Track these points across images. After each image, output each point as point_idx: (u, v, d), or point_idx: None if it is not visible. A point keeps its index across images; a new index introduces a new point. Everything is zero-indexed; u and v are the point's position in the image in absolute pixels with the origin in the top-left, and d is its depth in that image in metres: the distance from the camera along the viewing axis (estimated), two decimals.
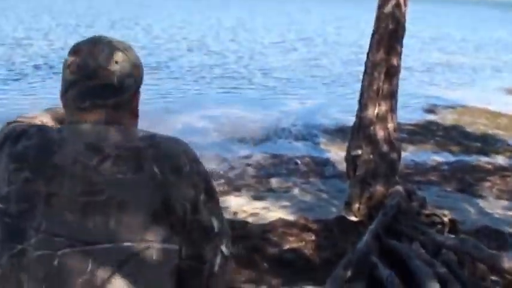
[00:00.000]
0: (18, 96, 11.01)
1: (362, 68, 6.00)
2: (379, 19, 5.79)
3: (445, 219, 5.19)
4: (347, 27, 32.75)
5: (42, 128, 1.41)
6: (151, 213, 1.31)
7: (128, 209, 1.30)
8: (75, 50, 1.43)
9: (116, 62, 1.41)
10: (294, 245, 4.94)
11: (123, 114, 1.44)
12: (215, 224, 1.41)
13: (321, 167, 7.76)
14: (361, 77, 6.00)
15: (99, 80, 1.39)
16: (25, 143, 1.36)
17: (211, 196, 1.43)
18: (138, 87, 1.48)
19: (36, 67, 14.08)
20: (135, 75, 1.45)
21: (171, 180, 1.35)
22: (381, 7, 5.77)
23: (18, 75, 13.09)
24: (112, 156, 1.32)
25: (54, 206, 1.29)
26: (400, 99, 6.07)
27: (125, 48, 1.46)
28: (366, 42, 5.96)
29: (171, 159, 1.37)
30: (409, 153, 8.30)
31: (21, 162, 1.33)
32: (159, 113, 9.88)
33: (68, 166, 1.31)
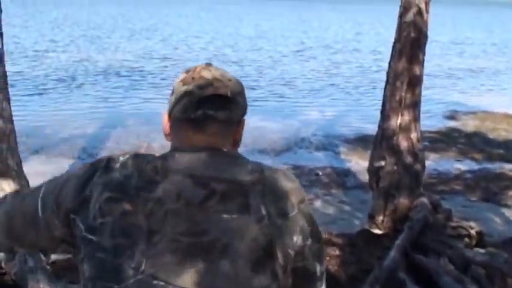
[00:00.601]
0: (39, 109, 11.08)
1: (382, 76, 5.92)
2: (400, 28, 5.70)
3: (472, 231, 5.09)
4: (366, 33, 32.62)
5: (139, 156, 1.31)
6: (254, 259, 1.22)
7: (231, 253, 1.21)
8: (187, 70, 1.43)
9: (229, 80, 1.39)
10: None
11: (229, 140, 1.37)
12: (318, 268, 1.34)
13: (342, 177, 7.68)
14: (380, 84, 5.92)
15: (215, 90, 1.34)
16: (123, 171, 1.27)
17: (317, 239, 1.34)
18: (244, 113, 1.42)
19: (58, 80, 14.18)
20: (244, 98, 1.42)
21: (278, 224, 1.26)
22: (402, 15, 5.69)
23: (39, 87, 13.19)
24: (218, 191, 1.24)
25: (156, 245, 1.20)
26: (421, 106, 5.99)
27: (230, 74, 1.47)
28: (385, 49, 5.89)
29: (279, 200, 1.28)
30: (431, 162, 8.19)
31: (119, 192, 1.23)
32: None
33: (172, 201, 1.22)
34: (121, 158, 1.30)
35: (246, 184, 1.26)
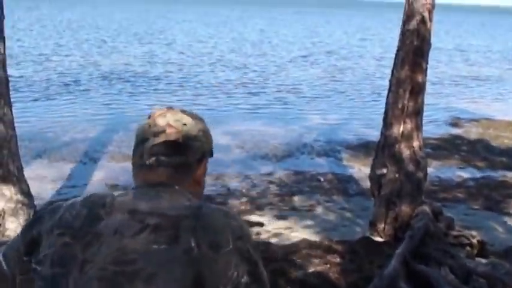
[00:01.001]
0: (42, 113, 11.10)
1: (385, 82, 5.92)
2: (403, 35, 5.69)
3: (474, 240, 5.07)
4: (370, 39, 32.61)
5: (94, 195, 1.41)
6: None
7: (155, 283, 1.23)
8: (150, 115, 1.52)
9: (185, 124, 1.47)
10: (319, 268, 4.84)
11: (185, 179, 1.45)
12: None
13: (344, 184, 7.66)
14: (384, 91, 5.91)
15: (166, 137, 1.44)
16: (71, 211, 1.36)
17: (257, 279, 1.31)
18: (204, 155, 1.51)
19: (61, 84, 14.21)
20: (202, 141, 1.49)
21: (208, 256, 1.26)
22: (405, 23, 5.68)
23: (42, 92, 13.21)
24: (151, 225, 1.29)
25: (86, 273, 1.26)
26: (424, 113, 5.97)
27: (196, 116, 1.54)
28: (389, 55, 5.88)
29: (211, 233, 1.29)
30: (433, 169, 8.16)
31: (65, 228, 1.33)
32: None
33: (109, 234, 1.29)
34: (67, 202, 1.40)
35: (179, 218, 1.30)
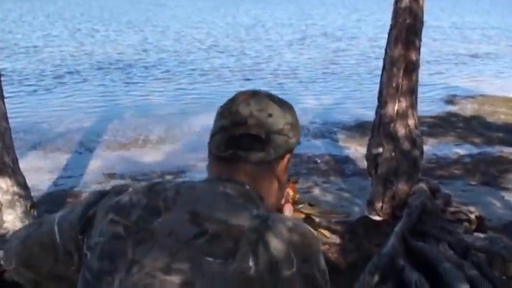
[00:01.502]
0: (36, 104, 11.05)
1: (381, 62, 5.89)
2: (396, 14, 5.66)
3: (472, 216, 5.07)
4: (365, 20, 32.46)
5: (159, 183, 1.27)
6: None
7: None
8: (233, 98, 1.36)
9: (270, 115, 1.30)
10: None
11: (264, 177, 1.30)
12: None
13: (341, 164, 7.66)
14: (379, 71, 5.89)
15: (247, 129, 1.28)
16: (133, 196, 1.23)
17: None
18: (290, 150, 1.34)
19: (54, 74, 14.14)
20: (287, 135, 1.31)
21: (265, 280, 1.09)
22: (397, 1, 5.64)
23: (36, 83, 13.15)
24: (210, 231, 1.14)
25: (133, 276, 1.13)
26: (418, 91, 5.96)
27: (283, 104, 1.36)
28: (384, 35, 5.84)
29: (272, 251, 1.11)
30: (430, 147, 8.16)
31: (121, 215, 1.20)
32: (176, 116, 9.86)
33: (163, 235, 1.15)
34: (136, 185, 1.28)
35: (241, 229, 1.14)
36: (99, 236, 1.20)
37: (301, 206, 1.62)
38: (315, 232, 1.44)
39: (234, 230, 1.13)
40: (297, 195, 1.63)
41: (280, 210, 1.48)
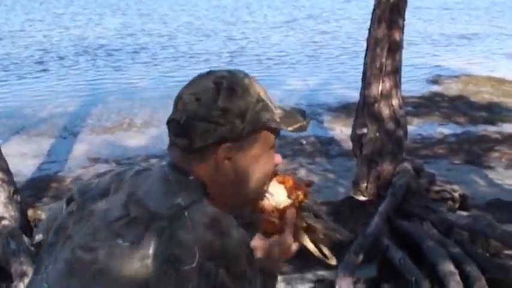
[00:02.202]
0: (18, 89, 10.94)
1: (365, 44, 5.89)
2: None
3: (455, 194, 5.11)
4: (353, 1, 32.33)
5: (128, 169, 1.27)
6: None
7: (102, 281, 1.08)
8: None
9: (197, 99, 1.21)
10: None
11: (200, 166, 1.20)
12: None
13: (326, 146, 7.68)
14: (363, 53, 5.89)
15: (172, 114, 1.24)
16: (101, 179, 1.25)
17: None
18: (226, 139, 1.19)
19: (36, 60, 13.97)
20: (216, 122, 1.19)
21: (161, 271, 1.05)
22: None
23: (17, 68, 13.00)
24: (130, 216, 1.12)
25: (64, 250, 1.16)
26: (403, 71, 5.97)
27: (229, 89, 1.22)
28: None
29: (176, 244, 1.07)
30: (415, 127, 8.21)
31: (80, 195, 1.24)
32: (160, 100, 9.80)
33: (98, 215, 1.16)
34: (110, 171, 1.30)
35: (155, 216, 1.11)
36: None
37: (305, 213, 1.42)
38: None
39: (149, 215, 1.11)
40: (306, 200, 1.44)
41: (253, 207, 1.33)
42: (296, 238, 1.35)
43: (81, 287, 1.09)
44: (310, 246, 1.40)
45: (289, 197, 1.37)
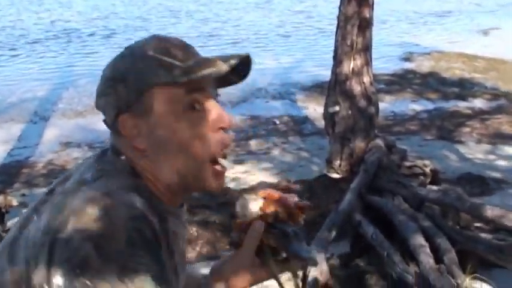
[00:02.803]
0: None
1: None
2: None
3: (427, 169, 5.16)
4: None
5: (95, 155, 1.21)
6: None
7: (12, 251, 1.04)
8: None
9: (103, 71, 1.14)
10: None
11: (121, 143, 1.11)
12: None
13: (299, 125, 7.70)
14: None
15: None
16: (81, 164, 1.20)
17: None
18: (118, 109, 1.09)
19: (4, 44, 13.71)
20: (106, 94, 1.10)
21: (40, 242, 0.98)
22: None
23: None
24: (53, 192, 1.08)
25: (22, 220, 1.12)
26: (376, 49, 5.99)
27: (120, 53, 1.14)
28: None
29: (54, 217, 0.99)
30: (387, 104, 8.26)
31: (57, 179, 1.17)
32: None
33: (41, 201, 1.10)
34: None
35: (61, 192, 1.06)
36: None
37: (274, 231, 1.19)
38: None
39: (60, 192, 1.06)
40: (277, 212, 1.20)
41: (204, 183, 1.13)
42: (259, 256, 1.17)
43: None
44: (274, 268, 1.17)
45: (261, 209, 1.18)
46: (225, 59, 1.10)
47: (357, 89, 5.65)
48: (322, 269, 3.62)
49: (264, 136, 7.25)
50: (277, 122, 7.78)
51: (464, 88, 9.39)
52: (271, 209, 1.18)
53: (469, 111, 8.16)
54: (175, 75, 1.07)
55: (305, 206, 1.23)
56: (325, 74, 8.29)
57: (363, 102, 5.64)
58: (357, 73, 5.66)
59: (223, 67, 1.08)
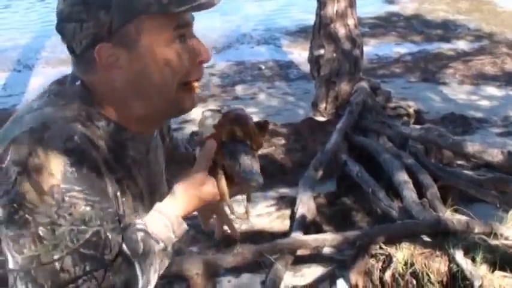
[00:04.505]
0: None
1: None
2: None
3: (410, 110, 5.27)
4: None
5: None
6: None
7: None
8: None
9: None
10: (265, 151, 4.97)
11: (89, 73, 1.07)
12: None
13: (285, 70, 7.72)
14: None
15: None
16: None
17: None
18: (97, 37, 1.03)
19: None
20: (81, 20, 1.03)
21: None
22: None
23: None
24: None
25: None
26: None
27: None
28: None
29: None
30: (371, 47, 8.28)
31: None
32: None
33: None
34: None
35: (11, 119, 1.07)
36: None
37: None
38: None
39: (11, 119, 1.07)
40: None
41: (161, 116, 1.16)
42: (213, 175, 1.12)
43: None
44: (224, 189, 1.13)
45: (215, 127, 1.15)
46: None
47: (341, 31, 5.68)
48: (310, 207, 3.74)
49: (250, 81, 7.28)
50: (263, 67, 7.79)
51: (448, 30, 9.41)
52: (226, 127, 1.14)
53: (452, 53, 8.21)
54: (167, 3, 1.02)
55: (263, 124, 1.21)
56: (310, 19, 8.28)
57: (347, 45, 5.68)
58: (341, 15, 5.67)
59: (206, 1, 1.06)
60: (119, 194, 1.06)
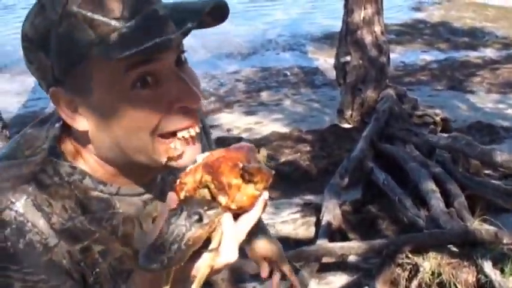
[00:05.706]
0: (0, 29, 10.74)
1: None
2: None
3: (437, 118, 5.22)
4: None
5: None
6: None
7: None
8: None
9: (22, 29, 0.89)
10: (290, 158, 4.98)
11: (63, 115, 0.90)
12: None
13: (310, 76, 7.72)
14: None
15: None
16: None
17: None
18: (49, 82, 0.87)
19: None
20: (28, 60, 0.89)
21: None
22: None
23: None
24: None
25: None
26: None
27: (54, 3, 0.83)
28: None
29: None
30: (398, 55, 8.25)
31: None
32: None
33: None
34: None
35: None
36: None
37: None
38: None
39: None
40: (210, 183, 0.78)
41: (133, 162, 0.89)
42: None
43: None
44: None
45: (181, 178, 0.80)
46: (180, 18, 0.84)
47: (367, 38, 5.66)
48: (335, 214, 3.74)
49: (275, 87, 7.29)
50: (288, 74, 7.80)
51: (475, 37, 9.33)
52: (195, 175, 0.79)
53: (479, 61, 8.14)
54: (109, 47, 0.80)
55: (254, 172, 0.78)
56: (335, 25, 8.27)
57: (374, 52, 5.67)
58: (368, 22, 5.66)
59: (173, 36, 0.81)
60: (83, 264, 0.89)
